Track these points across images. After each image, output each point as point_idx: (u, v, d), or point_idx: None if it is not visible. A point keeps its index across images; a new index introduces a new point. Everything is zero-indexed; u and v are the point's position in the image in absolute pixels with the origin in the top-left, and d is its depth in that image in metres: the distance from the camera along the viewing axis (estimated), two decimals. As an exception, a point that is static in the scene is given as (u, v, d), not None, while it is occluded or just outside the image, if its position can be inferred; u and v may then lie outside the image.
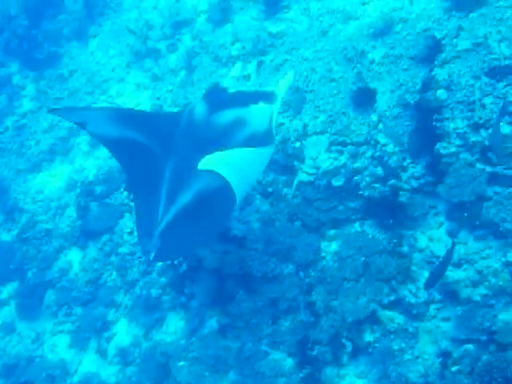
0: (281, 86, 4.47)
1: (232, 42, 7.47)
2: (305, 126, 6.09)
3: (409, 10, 6.45)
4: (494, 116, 5.15)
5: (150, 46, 8.08)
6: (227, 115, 4.35)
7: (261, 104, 4.32)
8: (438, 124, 5.50)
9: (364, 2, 6.89)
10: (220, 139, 4.30)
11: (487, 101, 5.43)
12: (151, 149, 4.49)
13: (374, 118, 5.83)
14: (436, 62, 5.86)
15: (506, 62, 5.49)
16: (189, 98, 7.16)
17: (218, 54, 7.43)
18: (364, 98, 5.97)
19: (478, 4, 5.98)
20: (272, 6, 7.47)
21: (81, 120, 4.25)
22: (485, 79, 5.51)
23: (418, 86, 5.77)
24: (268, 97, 4.39)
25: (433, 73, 5.78)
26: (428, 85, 5.63)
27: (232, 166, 4.24)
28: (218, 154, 4.20)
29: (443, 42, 5.90)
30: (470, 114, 5.45)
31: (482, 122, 5.37)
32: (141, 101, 7.86)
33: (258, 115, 4.33)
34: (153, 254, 4.41)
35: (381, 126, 5.75)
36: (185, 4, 8.21)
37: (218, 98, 4.44)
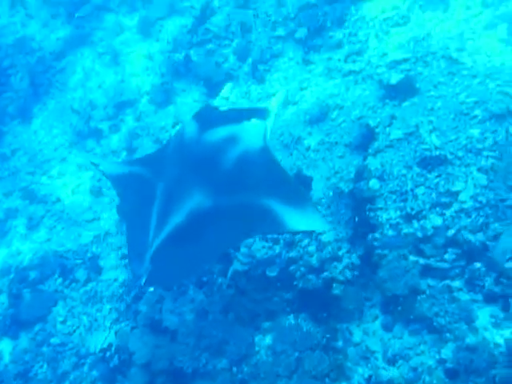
0: (273, 103, 4.39)
1: (173, 124, 7.36)
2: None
3: (345, 97, 6.45)
4: (426, 206, 5.10)
5: (92, 126, 7.95)
6: (219, 132, 4.19)
7: (253, 120, 4.19)
8: (372, 214, 5.40)
9: (302, 87, 6.85)
10: (212, 157, 4.15)
11: (419, 191, 5.35)
12: (143, 174, 4.48)
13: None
14: (370, 151, 5.81)
15: (437, 152, 5.45)
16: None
17: (159, 137, 7.32)
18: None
19: (411, 93, 5.94)
20: (213, 89, 7.43)
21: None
22: (417, 169, 5.47)
23: (352, 175, 5.71)
24: (261, 113, 4.29)
25: (366, 161, 5.71)
26: (361, 174, 5.57)
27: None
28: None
29: (377, 130, 5.87)
30: (402, 204, 5.35)
31: (414, 212, 5.27)
32: (82, 181, 7.66)
33: (250, 131, 4.18)
34: (144, 279, 4.17)
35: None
36: (129, 84, 8.16)
37: (208, 117, 4.34)
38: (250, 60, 7.48)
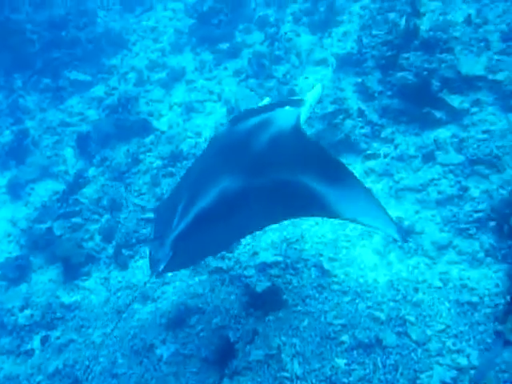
0: (309, 95, 4.53)
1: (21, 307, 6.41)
2: None
3: (208, 300, 5.76)
4: None
5: None
6: (251, 121, 4.25)
7: (287, 107, 4.24)
8: None
9: (165, 281, 6.11)
10: (242, 141, 4.17)
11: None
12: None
13: None
14: (227, 371, 5.00)
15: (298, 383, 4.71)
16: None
17: (4, 320, 6.31)
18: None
19: (277, 305, 5.31)
20: (71, 271, 6.58)
21: None
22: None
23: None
24: (295, 102, 4.38)
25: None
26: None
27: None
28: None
29: (237, 346, 5.14)
30: None
31: None
32: None
33: (283, 116, 4.21)
34: (163, 265, 4.03)
35: None
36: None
37: (243, 114, 4.50)
38: (114, 242, 6.67)
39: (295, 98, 4.64)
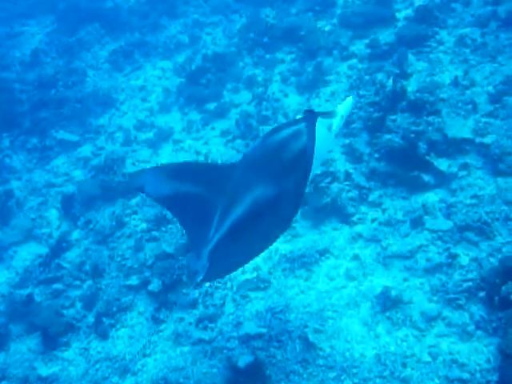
0: (340, 107, 4.60)
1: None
2: None
3: (189, 373, 5.57)
4: None
5: None
6: (282, 133, 4.29)
7: (319, 119, 4.21)
8: None
9: (146, 353, 5.87)
10: (275, 152, 4.24)
11: None
12: (203, 195, 4.47)
13: None
14: None
15: None
16: None
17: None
18: None
19: (260, 381, 5.17)
20: (50, 341, 6.36)
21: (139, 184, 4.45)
22: None
23: None
24: (327, 114, 4.47)
25: None
26: None
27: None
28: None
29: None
30: None
31: None
32: None
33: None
34: (201, 276, 4.10)
35: None
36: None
37: (274, 128, 4.51)
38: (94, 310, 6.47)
39: (327, 110, 4.78)
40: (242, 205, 4.19)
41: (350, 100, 4.79)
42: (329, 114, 4.52)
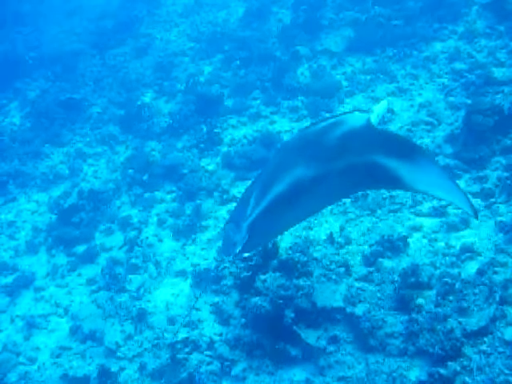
0: (376, 107, 4.79)
1: None
2: None
3: None
4: None
5: None
6: (321, 124, 4.57)
7: (356, 113, 4.58)
8: None
9: None
10: (315, 139, 4.48)
11: None
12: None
13: None
14: None
15: None
16: None
17: None
18: None
19: None
20: None
21: None
22: None
23: None
24: (363, 111, 4.72)
25: None
26: None
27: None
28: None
29: None
30: None
31: None
32: None
33: (354, 118, 4.53)
34: (239, 247, 4.36)
35: None
36: None
37: (313, 123, 4.80)
38: None
39: (363, 109, 5.07)
40: (282, 183, 4.41)
41: (385, 103, 5.00)
42: (365, 111, 4.74)
